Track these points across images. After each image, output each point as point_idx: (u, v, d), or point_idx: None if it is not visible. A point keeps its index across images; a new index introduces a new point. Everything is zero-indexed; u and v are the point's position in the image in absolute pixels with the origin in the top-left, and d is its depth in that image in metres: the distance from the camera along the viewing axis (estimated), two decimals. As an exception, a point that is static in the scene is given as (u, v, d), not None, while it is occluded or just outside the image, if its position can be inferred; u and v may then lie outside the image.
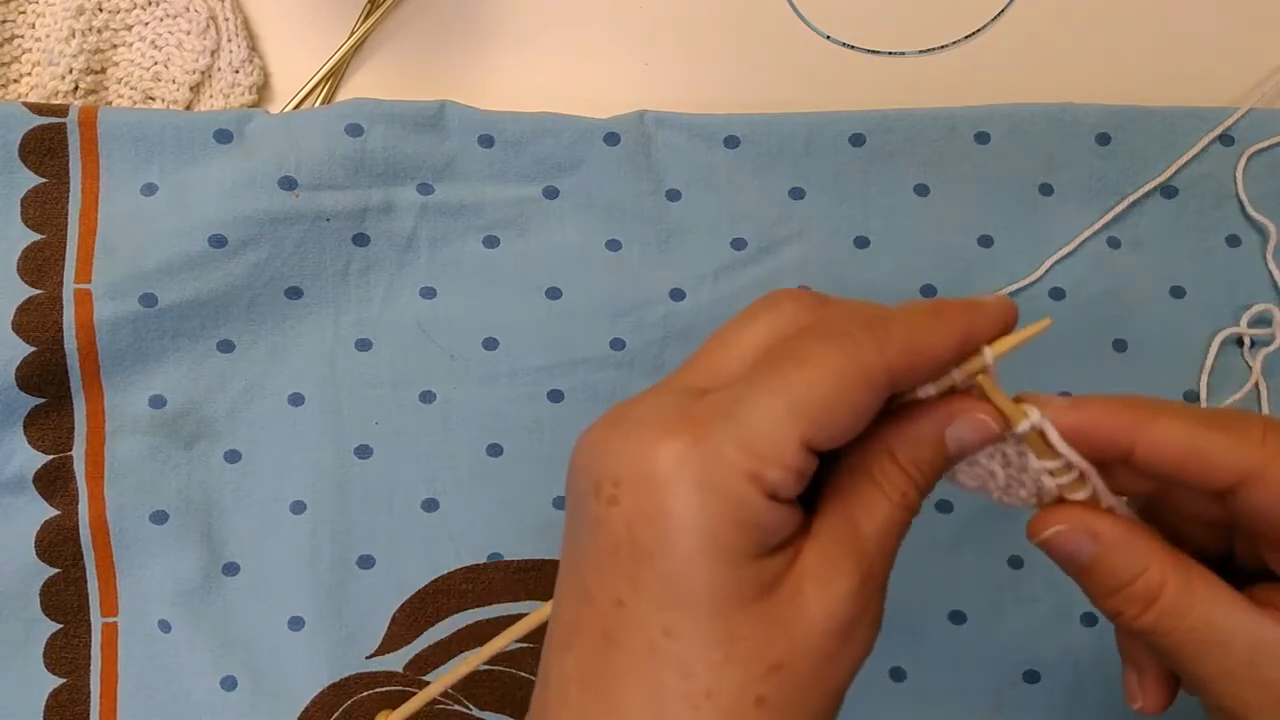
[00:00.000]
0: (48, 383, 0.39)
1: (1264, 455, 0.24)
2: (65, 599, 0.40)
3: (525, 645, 0.40)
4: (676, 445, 0.23)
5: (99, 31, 0.43)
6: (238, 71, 0.43)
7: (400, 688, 0.40)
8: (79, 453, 0.40)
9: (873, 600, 0.25)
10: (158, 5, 0.44)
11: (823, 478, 0.26)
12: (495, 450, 0.41)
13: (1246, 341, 0.42)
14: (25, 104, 0.40)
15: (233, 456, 0.41)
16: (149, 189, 0.40)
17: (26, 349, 0.39)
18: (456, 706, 0.40)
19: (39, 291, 0.39)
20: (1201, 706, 0.27)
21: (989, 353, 0.25)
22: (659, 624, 0.23)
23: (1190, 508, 0.27)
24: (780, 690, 0.23)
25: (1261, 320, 0.42)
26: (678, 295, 0.42)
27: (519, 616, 0.40)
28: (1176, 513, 0.28)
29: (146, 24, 0.44)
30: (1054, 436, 0.25)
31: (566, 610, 0.25)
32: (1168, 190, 0.42)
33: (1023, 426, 0.25)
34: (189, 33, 0.43)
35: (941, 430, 0.25)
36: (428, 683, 0.40)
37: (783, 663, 0.23)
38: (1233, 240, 0.42)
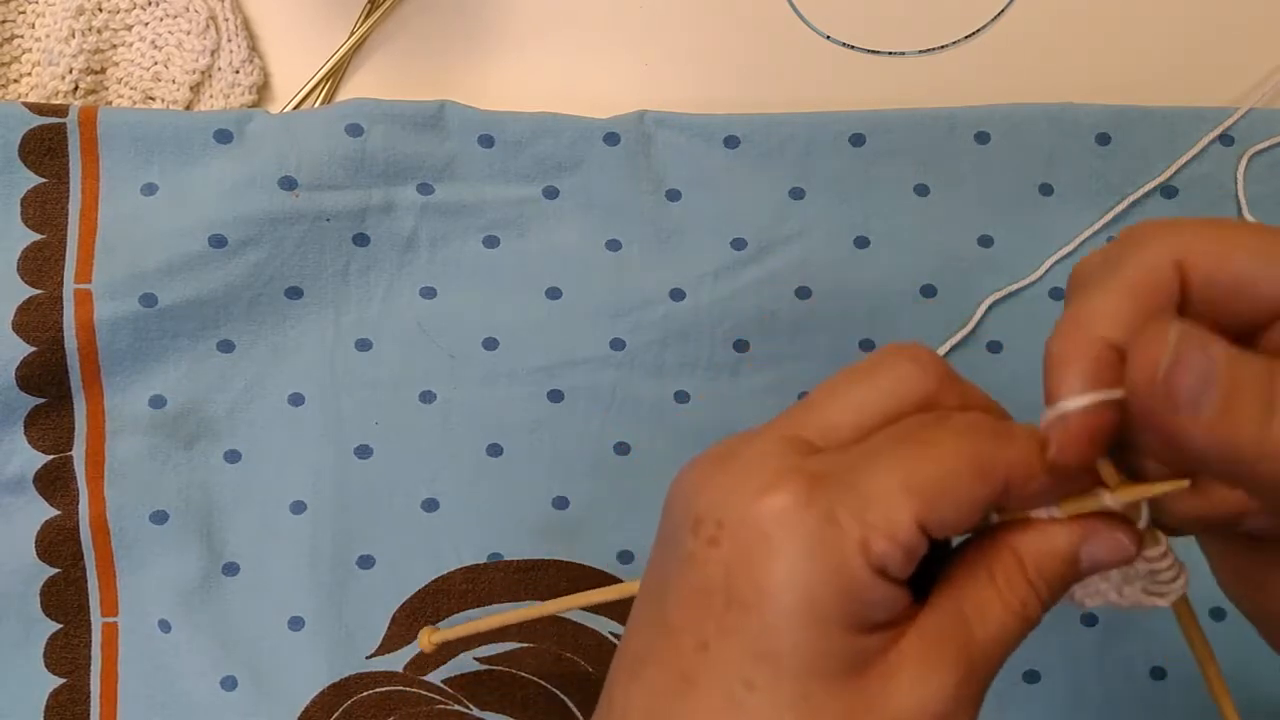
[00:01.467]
0: (48, 383, 0.39)
1: None
2: (65, 599, 0.40)
3: (525, 645, 0.40)
4: (788, 499, 0.22)
5: (99, 31, 0.43)
6: (238, 71, 0.43)
7: (400, 688, 0.40)
8: (79, 453, 0.40)
9: (969, 705, 0.24)
10: (158, 5, 0.44)
11: (936, 573, 0.25)
12: (495, 450, 0.41)
13: None
14: (25, 104, 0.40)
15: (233, 456, 0.41)
16: (149, 189, 0.40)
17: (26, 349, 0.39)
18: (456, 706, 0.40)
19: (39, 291, 0.39)
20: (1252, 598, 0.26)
21: (1108, 497, 0.24)
22: (741, 675, 0.22)
23: None
24: None
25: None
26: (678, 295, 0.42)
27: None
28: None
29: (146, 24, 0.44)
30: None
31: (640, 638, 0.25)
32: (1168, 190, 0.42)
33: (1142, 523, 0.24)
34: (189, 33, 0.43)
35: (1077, 545, 0.24)
36: (428, 683, 0.40)
37: None
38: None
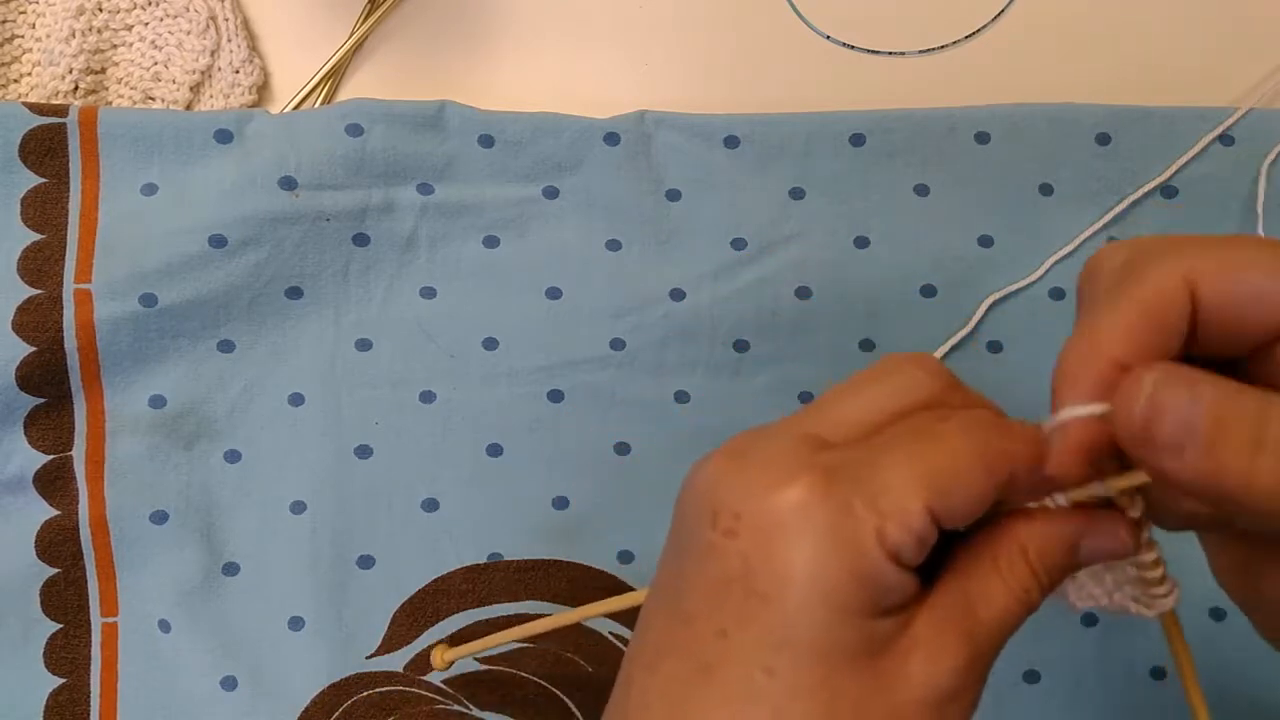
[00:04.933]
0: (48, 383, 0.39)
1: None
2: (65, 599, 0.40)
3: (526, 645, 0.40)
4: (804, 491, 0.23)
5: (99, 31, 0.43)
6: (238, 71, 0.43)
7: (400, 688, 0.40)
8: (79, 452, 0.40)
9: (974, 684, 0.25)
10: (158, 5, 0.44)
11: (943, 560, 0.26)
12: (495, 450, 0.41)
13: None
14: (25, 104, 0.40)
15: (233, 456, 0.41)
16: (149, 189, 0.40)
17: (26, 349, 0.39)
18: (456, 706, 0.40)
19: (39, 291, 0.39)
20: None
21: (1099, 486, 0.24)
22: (761, 662, 0.23)
23: None
24: None
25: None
26: (678, 295, 0.42)
27: (519, 616, 0.41)
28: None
29: (146, 24, 0.44)
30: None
31: (656, 632, 0.25)
32: (1168, 190, 0.42)
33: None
34: (189, 33, 0.43)
35: (1078, 534, 0.25)
36: (428, 683, 0.40)
37: None
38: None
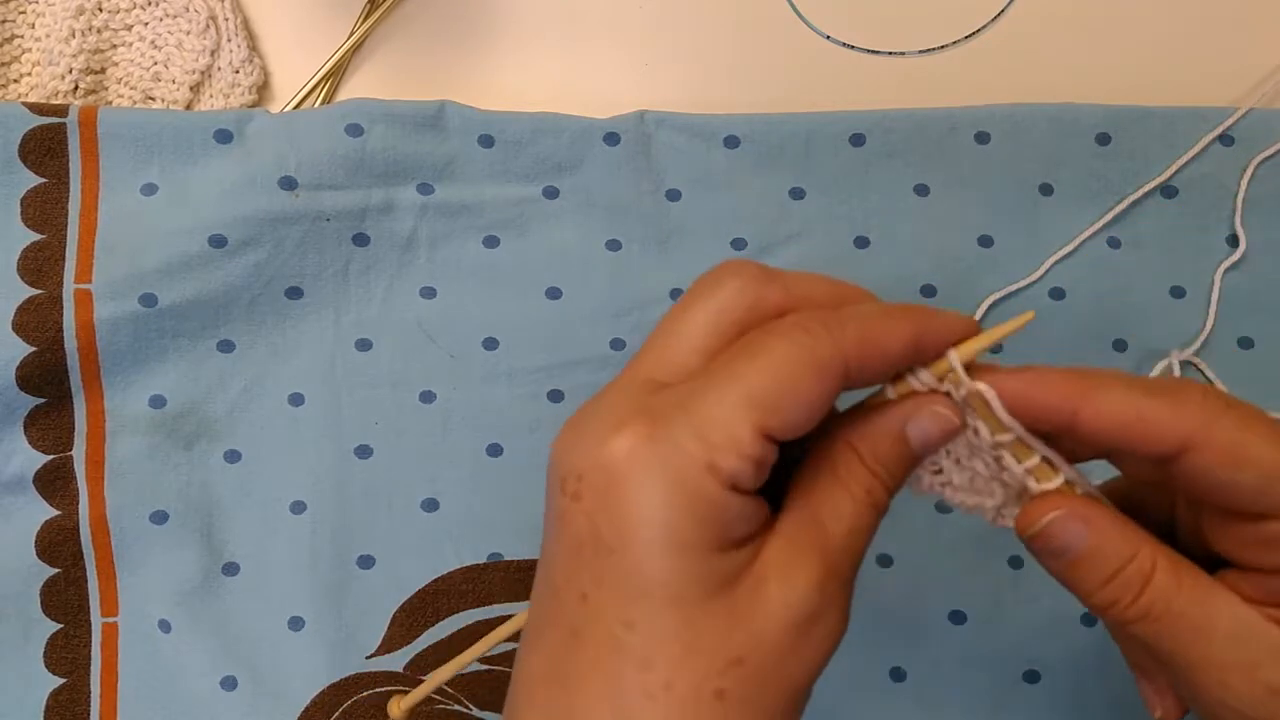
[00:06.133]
0: (48, 383, 0.39)
1: (1203, 420, 0.24)
2: (65, 599, 0.40)
3: (525, 645, 0.40)
4: (633, 438, 0.23)
5: (99, 31, 0.43)
6: (238, 71, 0.43)
7: (400, 688, 0.40)
8: (79, 453, 0.40)
9: (836, 597, 0.25)
10: (158, 5, 0.44)
11: (789, 477, 0.26)
12: (495, 450, 0.41)
13: None
14: (25, 104, 0.40)
15: (233, 456, 0.41)
16: (149, 189, 0.40)
17: (26, 349, 0.39)
18: (456, 706, 0.40)
19: (39, 291, 0.39)
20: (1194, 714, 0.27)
21: (953, 355, 0.25)
22: (620, 617, 0.23)
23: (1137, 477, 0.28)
24: (740, 684, 0.23)
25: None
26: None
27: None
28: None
29: (146, 24, 0.44)
30: (995, 403, 0.25)
31: (537, 609, 0.26)
32: (1168, 190, 0.42)
33: (963, 390, 0.25)
34: (189, 33, 0.43)
35: (903, 424, 0.25)
36: (428, 683, 0.40)
37: (742, 656, 0.23)
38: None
